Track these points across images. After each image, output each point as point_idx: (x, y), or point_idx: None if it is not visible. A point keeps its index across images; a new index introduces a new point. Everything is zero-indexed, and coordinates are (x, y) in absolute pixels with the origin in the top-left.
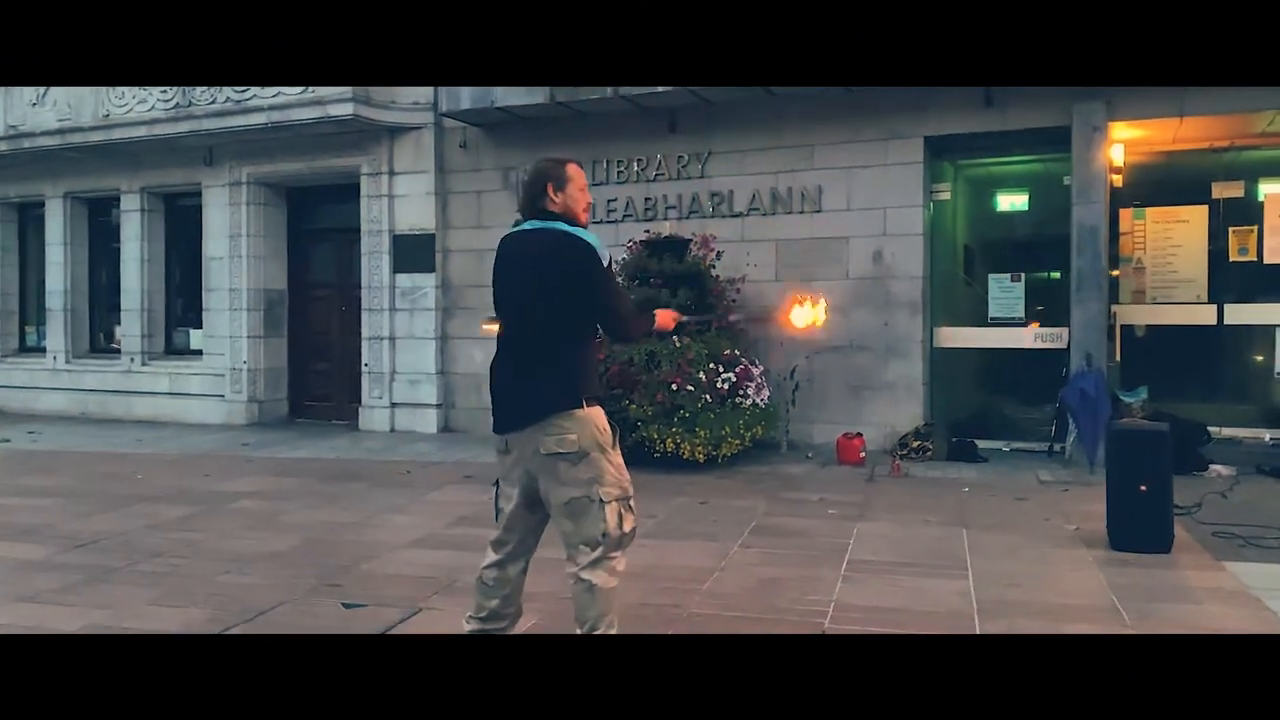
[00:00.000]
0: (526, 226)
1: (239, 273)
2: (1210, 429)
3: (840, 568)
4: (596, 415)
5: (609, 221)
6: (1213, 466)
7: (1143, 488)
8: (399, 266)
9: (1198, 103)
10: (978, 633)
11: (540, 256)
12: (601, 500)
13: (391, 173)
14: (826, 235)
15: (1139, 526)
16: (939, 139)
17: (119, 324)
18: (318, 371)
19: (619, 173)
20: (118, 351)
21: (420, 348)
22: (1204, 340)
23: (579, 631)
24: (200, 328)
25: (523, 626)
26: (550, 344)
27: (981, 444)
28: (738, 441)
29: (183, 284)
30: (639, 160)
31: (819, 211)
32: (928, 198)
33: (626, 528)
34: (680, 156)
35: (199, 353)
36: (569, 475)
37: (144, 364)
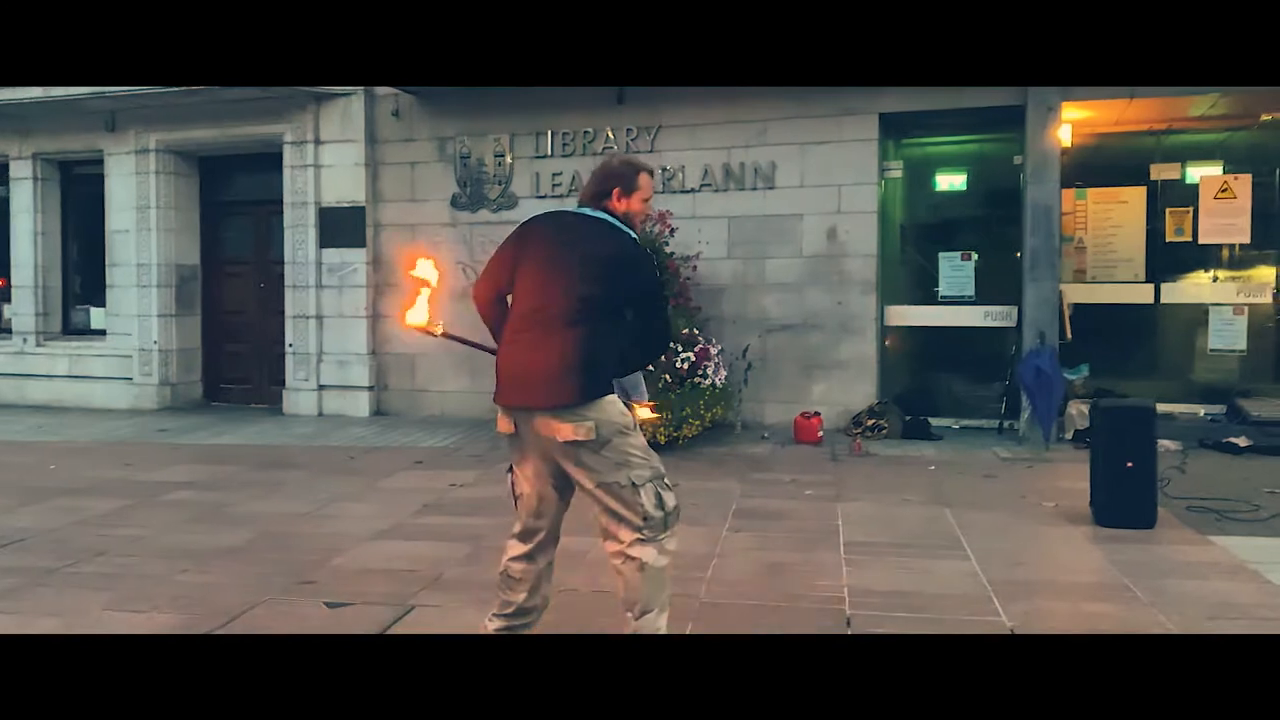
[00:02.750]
0: (580, 209)
1: (147, 247)
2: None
3: (839, 550)
4: (614, 400)
5: (554, 196)
6: (1160, 442)
7: (1129, 464)
8: (326, 241)
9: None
10: (1002, 616)
11: (590, 239)
12: (634, 484)
13: (318, 141)
14: (780, 213)
15: (1124, 502)
16: (894, 116)
17: (8, 302)
18: (234, 352)
19: (564, 145)
20: (8, 332)
21: (350, 327)
22: (1142, 318)
23: (628, 616)
24: (103, 306)
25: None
26: (585, 329)
27: (933, 422)
28: (698, 422)
29: (82, 259)
30: (586, 133)
31: (772, 188)
32: (881, 175)
33: (669, 505)
34: (629, 130)
35: (102, 332)
36: (596, 462)
37: (39, 345)
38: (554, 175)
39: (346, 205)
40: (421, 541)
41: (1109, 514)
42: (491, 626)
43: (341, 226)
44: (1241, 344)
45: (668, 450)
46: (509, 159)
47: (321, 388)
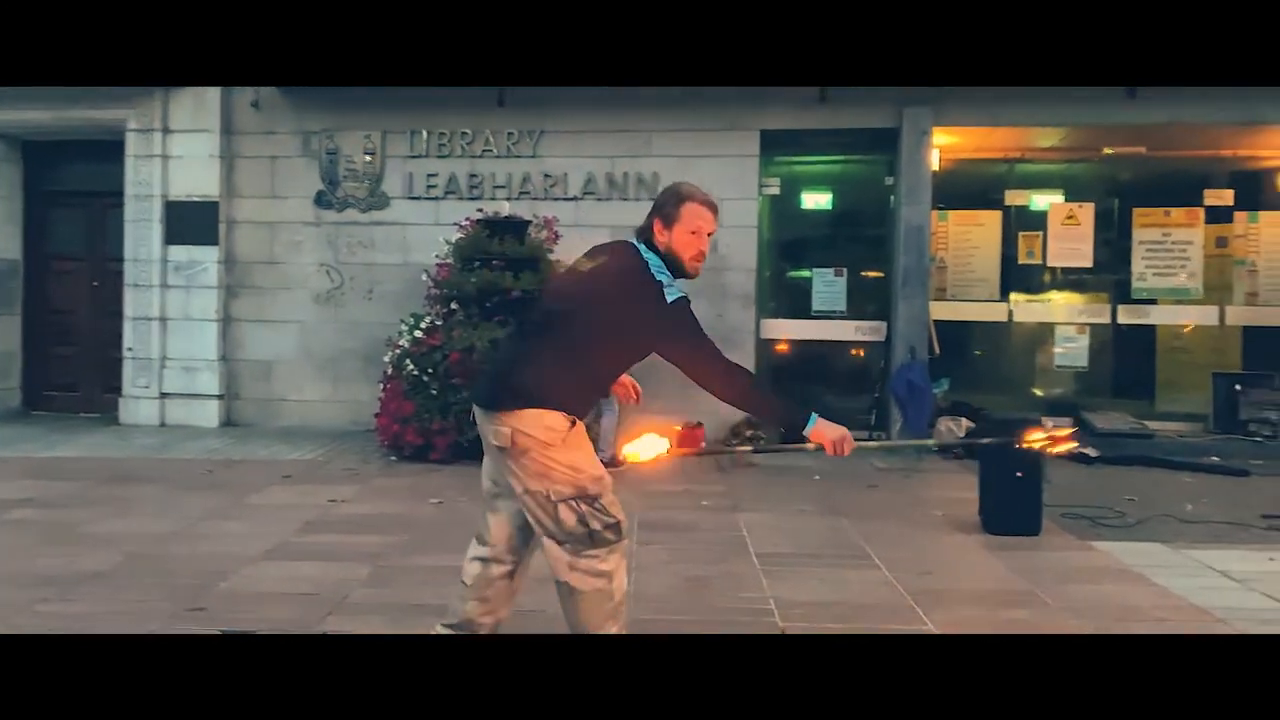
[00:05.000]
0: (628, 239)
1: None
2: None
3: (753, 562)
4: (547, 414)
5: (428, 197)
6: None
7: (1018, 474)
8: (173, 238)
9: (1010, 114)
10: (929, 624)
11: (599, 270)
12: (550, 498)
13: (166, 130)
14: None
15: (1012, 511)
16: (774, 133)
17: None
18: (62, 356)
19: (441, 146)
20: None
21: (198, 331)
22: (996, 335)
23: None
24: None
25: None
26: (541, 342)
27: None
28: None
29: None
30: (464, 134)
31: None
32: (760, 191)
33: (594, 525)
34: (510, 133)
35: None
36: (518, 469)
37: None
38: (429, 176)
39: (197, 200)
40: (314, 562)
41: (998, 522)
42: (440, 630)
43: (191, 222)
44: (1084, 361)
45: None
46: (381, 157)
47: (164, 396)
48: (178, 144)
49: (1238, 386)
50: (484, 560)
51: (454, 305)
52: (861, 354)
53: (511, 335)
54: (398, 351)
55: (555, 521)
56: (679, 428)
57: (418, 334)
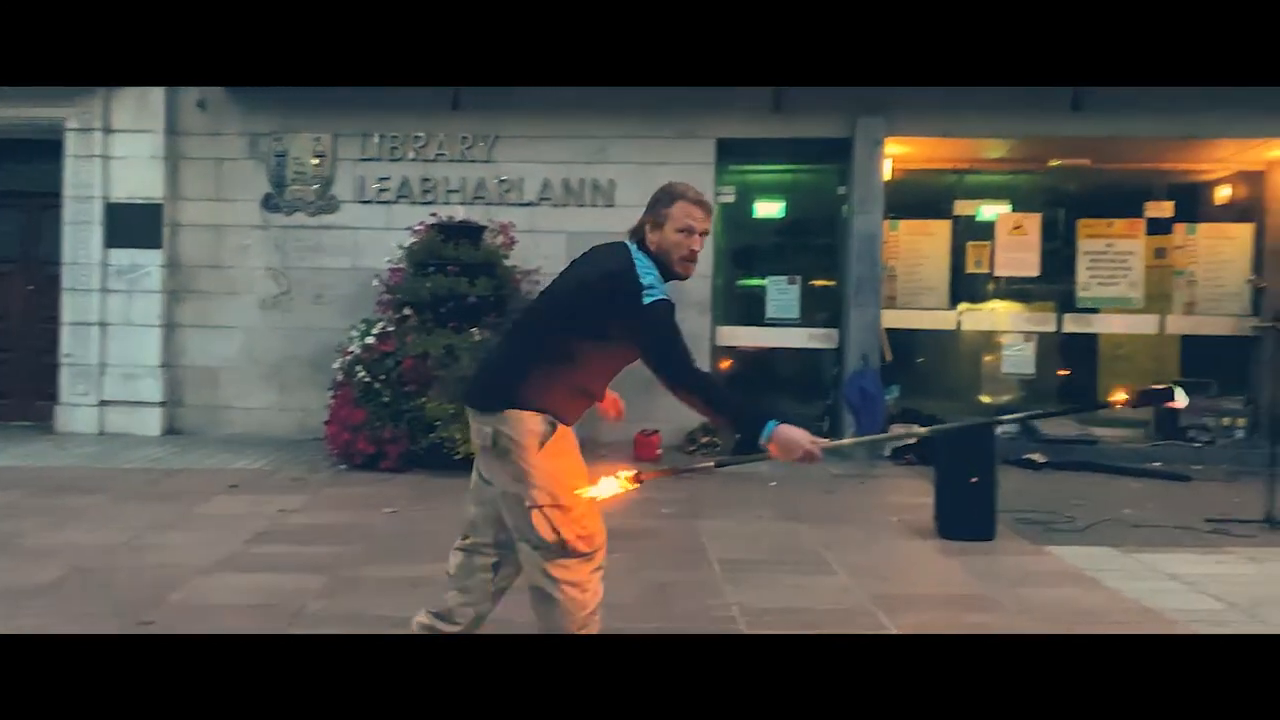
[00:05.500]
0: (623, 241)
1: None
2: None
3: (715, 569)
4: (529, 417)
5: (380, 201)
6: None
7: (974, 480)
8: (114, 240)
9: (961, 126)
10: (893, 629)
11: (583, 259)
12: (525, 503)
13: (107, 130)
14: (619, 230)
15: (967, 516)
16: (729, 142)
17: None
18: None
19: (393, 149)
20: None
21: (140, 336)
22: (944, 343)
23: None
24: None
25: None
26: (524, 341)
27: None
28: None
29: None
30: (417, 137)
31: (611, 206)
32: (716, 199)
33: (565, 534)
34: (465, 137)
35: None
36: (499, 469)
37: None
38: (381, 179)
39: (140, 202)
40: (266, 573)
41: (953, 527)
42: (414, 620)
43: (133, 225)
44: (1031, 369)
45: None
46: (331, 160)
47: (104, 403)
48: (120, 144)
49: None
50: (467, 550)
51: (407, 311)
52: (813, 361)
53: (503, 335)
54: (348, 358)
55: (529, 526)
56: (635, 435)
57: (369, 340)
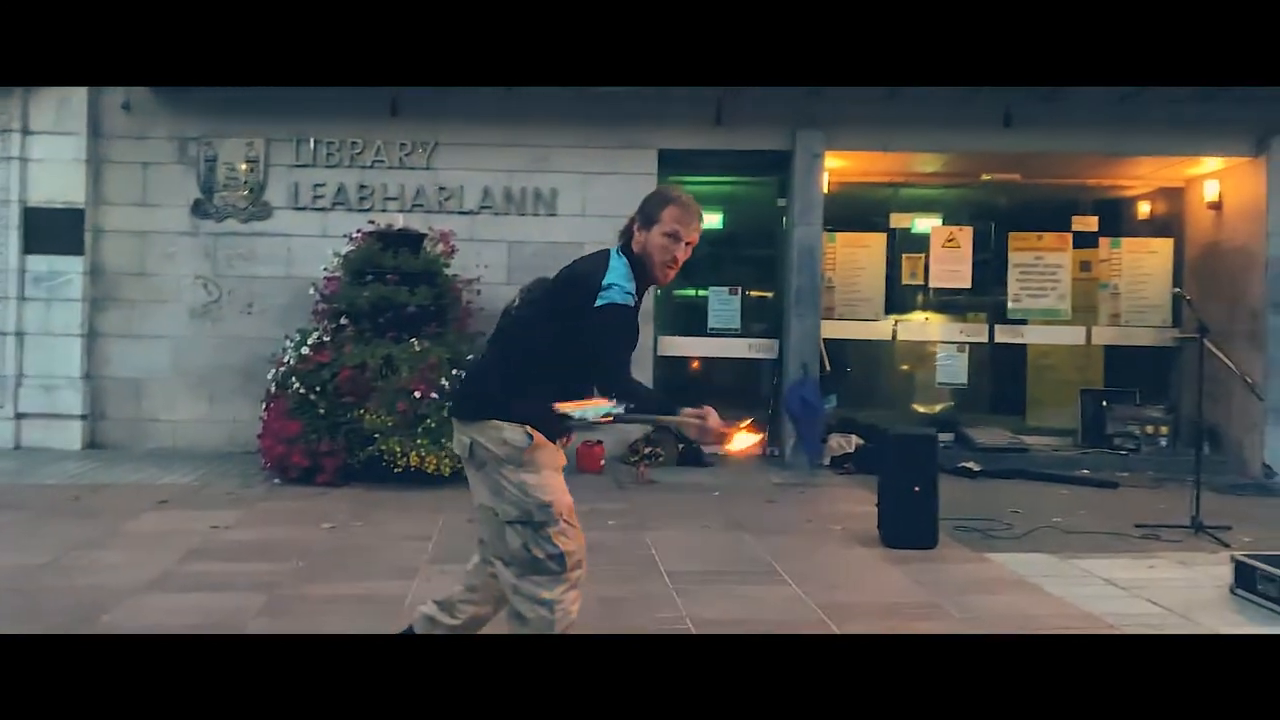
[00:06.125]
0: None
1: None
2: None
3: (665, 581)
4: (507, 428)
5: (315, 208)
6: None
7: (916, 488)
8: (33, 246)
9: (898, 140)
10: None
11: (559, 275)
12: (499, 517)
13: (25, 131)
14: (561, 240)
15: (910, 525)
16: (671, 153)
17: None
18: None
19: (329, 155)
20: None
21: (60, 346)
22: (880, 354)
23: None
24: None
25: None
26: (502, 350)
27: (704, 449)
28: None
29: None
30: (354, 143)
31: (554, 215)
32: None
33: (537, 553)
34: (403, 144)
35: None
36: (479, 480)
37: None
38: (316, 186)
39: (60, 206)
40: (202, 593)
41: (896, 535)
42: (418, 610)
43: (53, 230)
44: (963, 379)
45: (450, 482)
46: (264, 165)
47: (20, 416)
48: (39, 146)
49: (1104, 403)
50: (481, 554)
51: (344, 320)
52: (753, 371)
53: (486, 343)
54: (282, 369)
55: (502, 541)
56: (578, 445)
57: (304, 350)
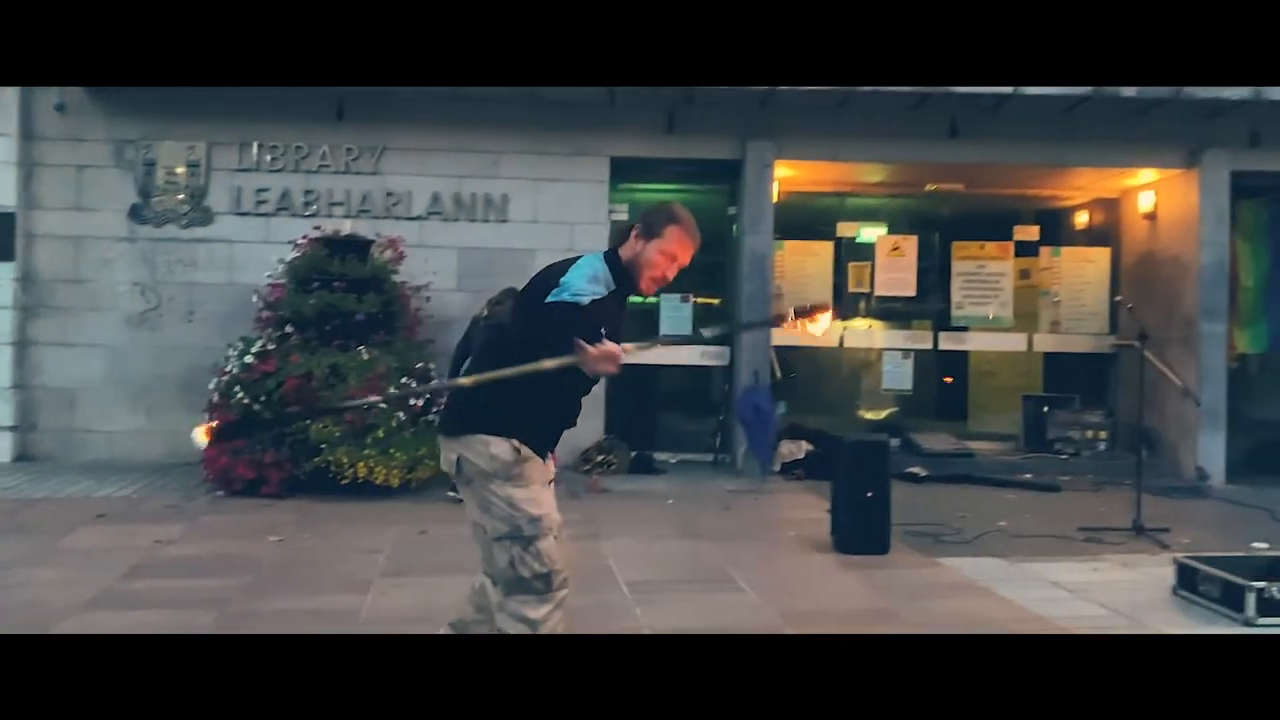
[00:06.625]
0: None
1: None
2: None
3: (623, 591)
4: (494, 442)
5: (258, 214)
6: None
7: (869, 494)
8: None
9: (845, 150)
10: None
11: (532, 279)
12: (488, 533)
13: None
14: (512, 246)
15: (863, 530)
16: (623, 160)
17: None
18: None
19: (273, 160)
20: None
21: None
22: (828, 361)
23: None
24: None
25: None
26: (484, 362)
27: (655, 456)
28: (433, 464)
29: None
30: (299, 148)
31: (505, 221)
32: (609, 216)
33: (523, 571)
34: (349, 149)
35: None
36: (468, 496)
37: None
38: (259, 191)
39: None
40: (148, 610)
41: (850, 541)
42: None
43: None
44: (908, 385)
45: (400, 494)
46: (206, 169)
47: None
48: None
49: (1045, 408)
50: (486, 573)
51: (289, 328)
52: (704, 378)
53: (475, 355)
54: (225, 378)
55: (490, 558)
56: None
57: (248, 359)
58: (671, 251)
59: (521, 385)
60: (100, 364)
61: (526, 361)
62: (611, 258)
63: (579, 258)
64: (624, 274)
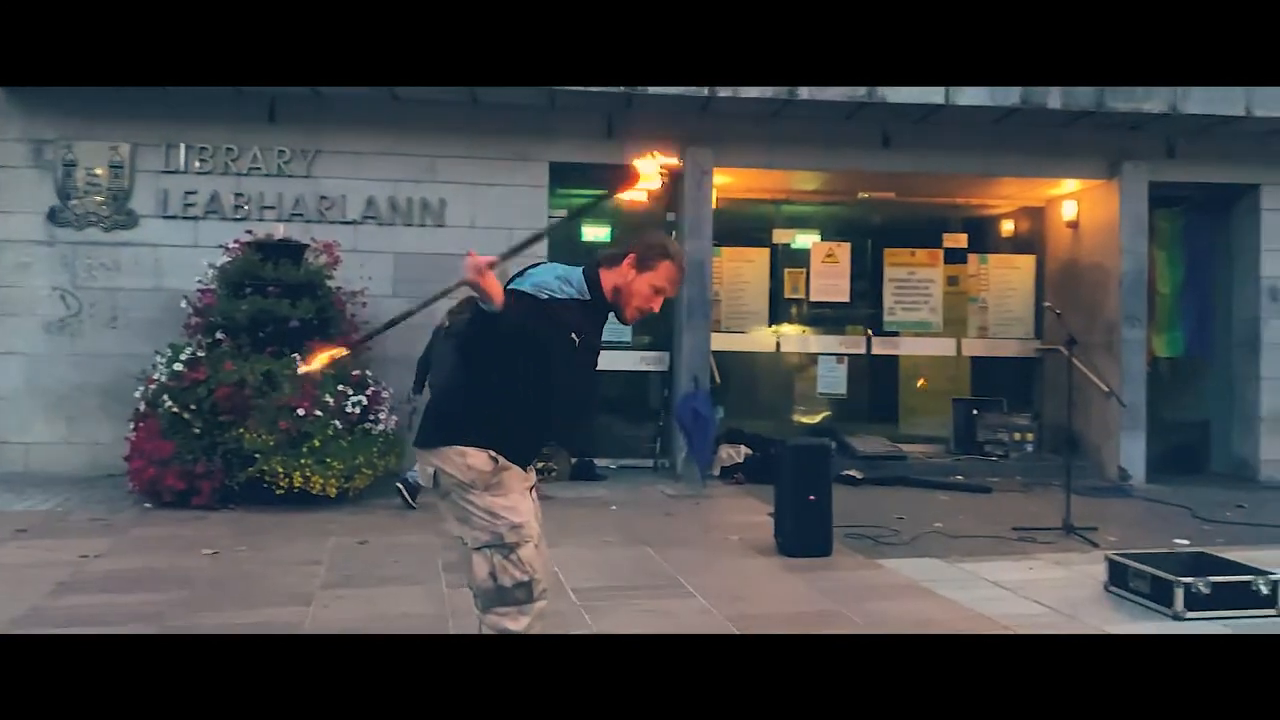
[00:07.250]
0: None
1: None
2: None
3: (572, 598)
4: (471, 453)
5: (186, 217)
6: None
7: (811, 498)
8: None
9: (781, 158)
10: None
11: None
12: (467, 544)
13: None
14: (450, 251)
15: (806, 534)
16: (562, 166)
17: None
18: None
19: (202, 162)
20: None
21: None
22: (765, 365)
23: None
24: None
25: None
26: (455, 374)
27: (596, 462)
28: (371, 472)
29: None
30: (229, 149)
31: (442, 226)
32: (547, 221)
33: (504, 580)
34: (281, 151)
35: None
36: (445, 508)
37: None
38: (187, 194)
39: None
40: (80, 628)
41: (793, 544)
42: None
43: None
44: (843, 389)
45: (337, 504)
46: (130, 171)
47: None
48: None
49: (975, 411)
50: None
51: (220, 335)
52: (643, 384)
53: (451, 365)
54: (152, 386)
55: (469, 570)
56: None
57: (177, 367)
58: (661, 286)
59: (495, 397)
60: (17, 372)
61: (488, 365)
62: (591, 274)
63: (550, 264)
64: (600, 291)
